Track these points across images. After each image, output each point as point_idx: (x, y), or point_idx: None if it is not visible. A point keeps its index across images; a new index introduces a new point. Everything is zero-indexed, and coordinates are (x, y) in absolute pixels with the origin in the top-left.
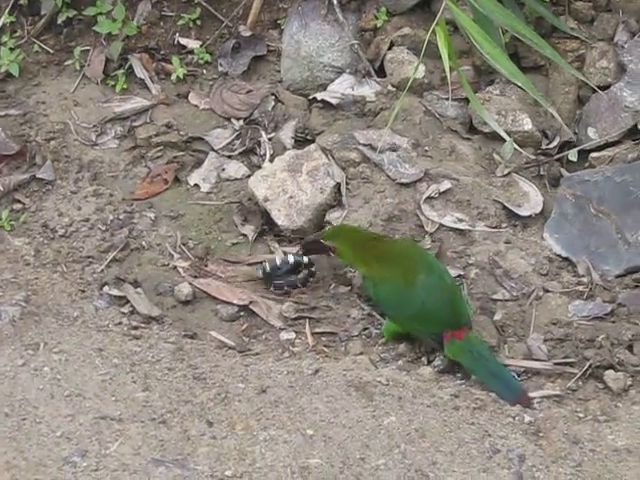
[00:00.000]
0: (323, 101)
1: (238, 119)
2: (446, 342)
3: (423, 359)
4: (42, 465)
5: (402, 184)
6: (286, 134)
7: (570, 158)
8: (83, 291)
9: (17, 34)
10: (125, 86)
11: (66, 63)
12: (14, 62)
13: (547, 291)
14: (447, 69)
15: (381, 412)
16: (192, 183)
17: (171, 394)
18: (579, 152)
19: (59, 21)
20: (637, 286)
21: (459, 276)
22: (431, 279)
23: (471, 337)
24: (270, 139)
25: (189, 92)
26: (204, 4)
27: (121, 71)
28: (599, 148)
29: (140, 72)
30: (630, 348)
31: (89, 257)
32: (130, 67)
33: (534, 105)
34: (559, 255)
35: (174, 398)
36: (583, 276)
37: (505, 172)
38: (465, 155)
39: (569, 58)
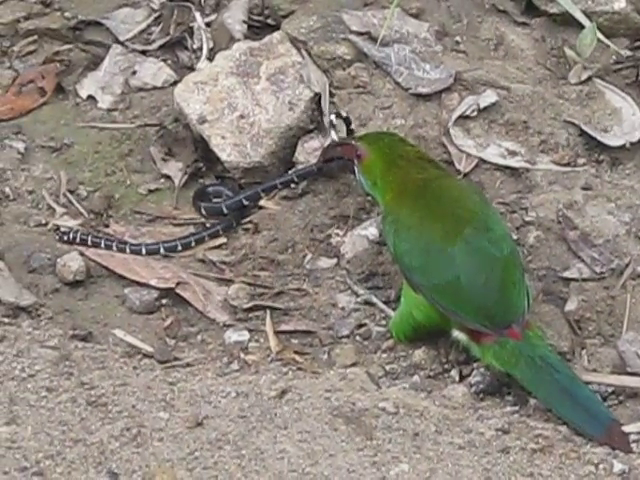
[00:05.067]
0: None
1: None
2: (488, 342)
3: (453, 372)
4: None
5: (419, 96)
6: (234, 16)
7: None
8: None
9: None
10: None
11: None
12: None
13: None
14: None
15: (386, 457)
16: (84, 95)
17: (52, 429)
18: None
19: None
20: None
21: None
22: (480, 241)
23: (533, 336)
24: (209, 24)
25: None
26: None
27: None
28: None
29: None
30: None
31: None
32: None
33: None
34: None
35: (56, 435)
36: None
37: (583, 77)
38: (520, 50)
39: None
